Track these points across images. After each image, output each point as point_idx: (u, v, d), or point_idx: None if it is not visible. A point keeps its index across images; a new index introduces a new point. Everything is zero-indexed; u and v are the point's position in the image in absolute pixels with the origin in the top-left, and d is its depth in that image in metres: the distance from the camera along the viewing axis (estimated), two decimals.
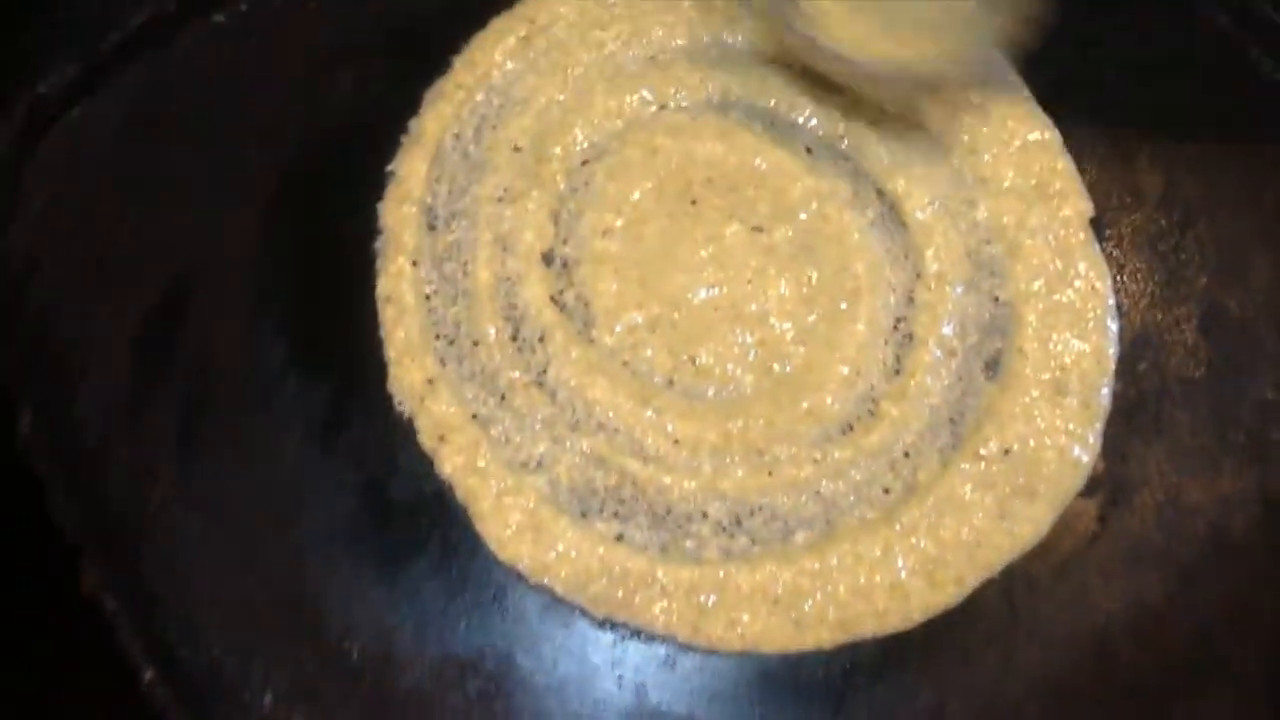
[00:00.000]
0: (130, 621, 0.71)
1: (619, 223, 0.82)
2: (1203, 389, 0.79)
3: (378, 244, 0.81)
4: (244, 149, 0.83)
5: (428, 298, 0.80)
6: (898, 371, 0.78)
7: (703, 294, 0.80)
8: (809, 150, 0.84)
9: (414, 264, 0.80)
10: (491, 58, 0.86)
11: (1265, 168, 0.83)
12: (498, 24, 0.87)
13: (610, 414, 0.76)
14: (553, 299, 0.80)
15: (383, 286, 0.80)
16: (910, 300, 0.80)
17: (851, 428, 0.77)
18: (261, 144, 0.83)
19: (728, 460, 0.75)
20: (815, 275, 0.80)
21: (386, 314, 0.79)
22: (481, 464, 0.75)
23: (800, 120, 0.85)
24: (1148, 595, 0.74)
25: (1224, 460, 0.77)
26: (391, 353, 0.78)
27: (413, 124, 0.85)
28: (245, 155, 0.83)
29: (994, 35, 0.79)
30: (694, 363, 0.78)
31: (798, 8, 0.81)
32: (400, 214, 0.81)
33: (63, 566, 0.72)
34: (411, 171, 0.83)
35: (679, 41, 0.88)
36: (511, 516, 0.73)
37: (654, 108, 0.86)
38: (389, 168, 0.83)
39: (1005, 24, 0.78)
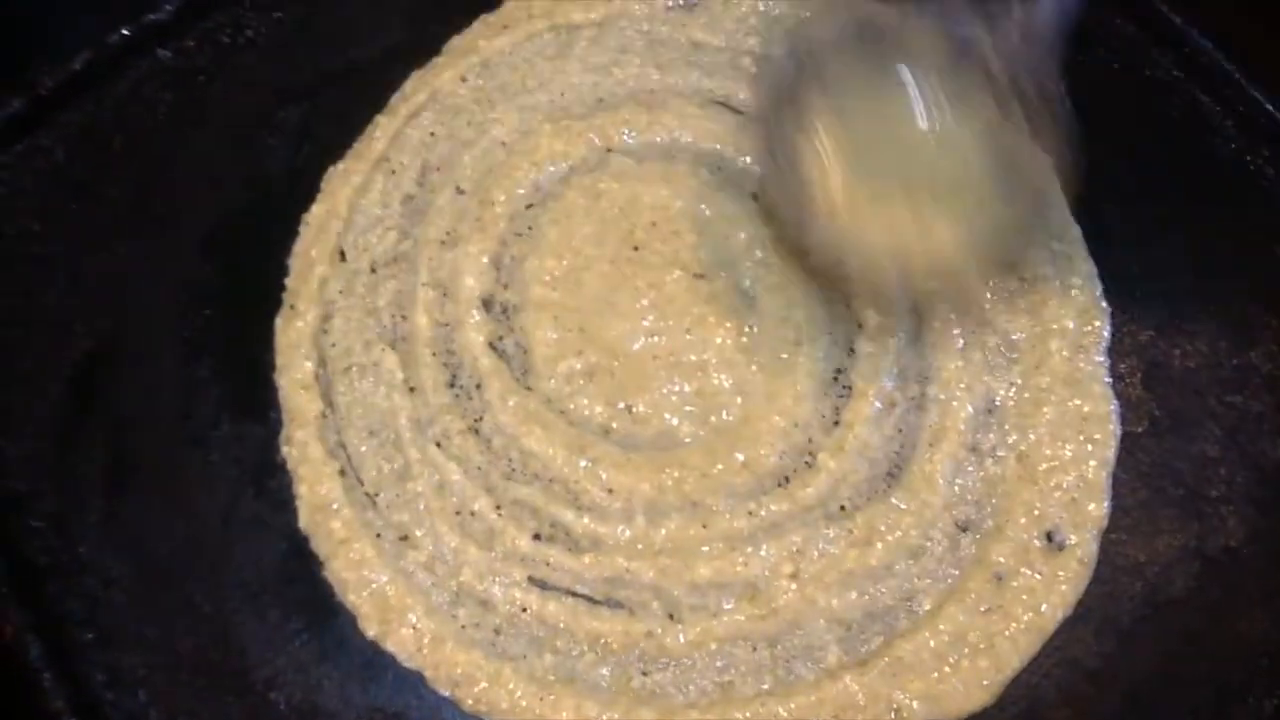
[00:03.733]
0: (54, 669, 0.71)
1: (560, 268, 0.81)
2: (1144, 445, 0.78)
3: (289, 288, 0.81)
4: (184, 190, 0.83)
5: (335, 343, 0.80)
6: (836, 423, 0.78)
7: (642, 342, 0.79)
8: (754, 197, 0.83)
9: (327, 313, 0.80)
10: (434, 97, 0.85)
11: (1211, 227, 0.82)
12: (441, 63, 0.87)
13: (544, 464, 0.76)
14: (491, 345, 0.79)
15: (285, 335, 0.79)
16: (851, 351, 0.80)
17: (788, 480, 0.76)
18: (201, 184, 0.83)
19: (662, 512, 0.75)
20: (756, 325, 0.79)
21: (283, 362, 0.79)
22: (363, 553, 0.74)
23: (746, 165, 0.84)
24: (1082, 655, 0.73)
25: (1163, 517, 0.76)
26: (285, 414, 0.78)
27: (351, 164, 0.84)
28: (185, 196, 0.83)
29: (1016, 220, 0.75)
30: (631, 412, 0.77)
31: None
32: (312, 258, 0.81)
33: None
34: (339, 215, 0.82)
35: (627, 84, 0.87)
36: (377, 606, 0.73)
37: (601, 150, 0.85)
38: (317, 211, 0.83)
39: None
